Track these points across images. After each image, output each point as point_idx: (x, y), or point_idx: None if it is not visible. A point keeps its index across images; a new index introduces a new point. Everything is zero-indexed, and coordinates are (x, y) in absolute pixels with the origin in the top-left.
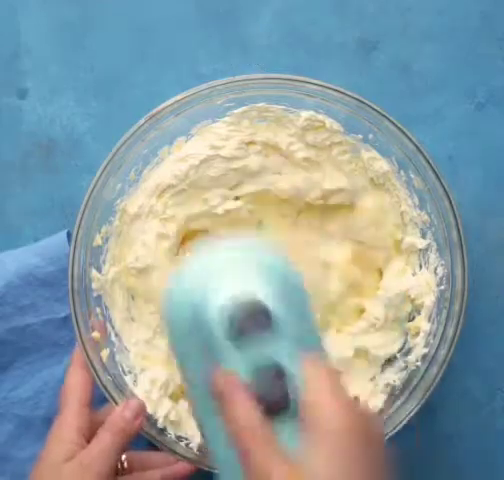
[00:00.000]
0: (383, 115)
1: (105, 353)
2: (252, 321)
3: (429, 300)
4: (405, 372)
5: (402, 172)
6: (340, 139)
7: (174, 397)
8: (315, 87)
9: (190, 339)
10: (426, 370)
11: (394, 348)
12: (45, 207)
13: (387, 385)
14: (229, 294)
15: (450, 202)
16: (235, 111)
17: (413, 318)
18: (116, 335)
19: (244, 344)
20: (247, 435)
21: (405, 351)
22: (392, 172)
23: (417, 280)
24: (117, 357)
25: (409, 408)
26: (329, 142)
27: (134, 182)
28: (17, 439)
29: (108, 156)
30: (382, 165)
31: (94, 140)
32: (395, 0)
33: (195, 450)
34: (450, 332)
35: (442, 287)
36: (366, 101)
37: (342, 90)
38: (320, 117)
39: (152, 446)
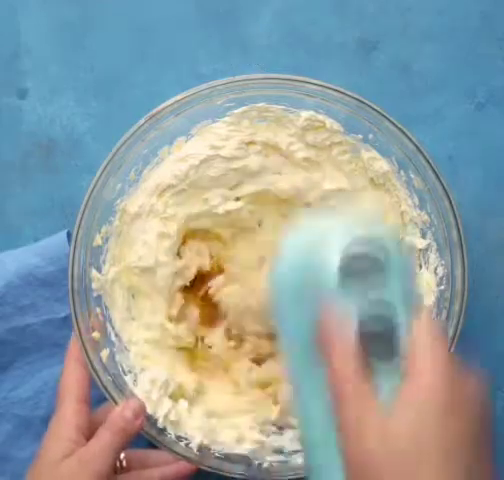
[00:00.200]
0: (383, 115)
1: (105, 353)
2: (366, 266)
3: (429, 300)
4: None
5: (402, 172)
6: (340, 139)
7: (174, 397)
8: (315, 87)
9: (297, 301)
10: None
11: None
12: (45, 207)
13: None
14: (347, 241)
15: (450, 202)
16: (235, 111)
17: None
18: (116, 335)
19: (356, 289)
20: (344, 386)
21: None
22: (392, 172)
23: (417, 280)
24: (117, 357)
25: None
26: (329, 142)
27: (134, 182)
28: (17, 439)
29: (108, 156)
30: (382, 165)
31: (94, 140)
32: (395, 0)
33: (195, 450)
34: (450, 332)
35: (442, 287)
36: (366, 101)
37: (342, 90)
38: (320, 117)
39: (152, 446)
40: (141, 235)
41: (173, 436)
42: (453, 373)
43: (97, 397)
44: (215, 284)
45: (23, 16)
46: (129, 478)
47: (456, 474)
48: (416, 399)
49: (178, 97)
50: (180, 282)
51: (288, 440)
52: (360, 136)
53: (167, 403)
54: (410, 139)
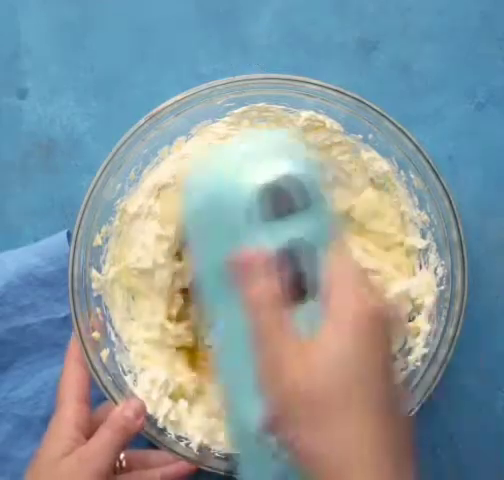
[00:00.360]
0: (383, 115)
1: (105, 353)
2: (286, 199)
3: (429, 300)
4: (405, 372)
5: (402, 172)
6: (340, 139)
7: (174, 397)
8: (315, 87)
9: (210, 228)
10: (426, 370)
11: (394, 348)
12: (45, 207)
13: None
14: (264, 173)
15: (450, 202)
16: (235, 111)
17: (413, 318)
18: (116, 335)
19: (277, 224)
20: (263, 313)
21: (405, 351)
22: (392, 172)
23: (417, 280)
24: (117, 357)
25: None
26: (329, 142)
27: (134, 182)
28: (17, 439)
29: (108, 156)
30: (382, 165)
31: (94, 140)
32: (395, 0)
33: (195, 450)
34: (450, 332)
35: (442, 287)
36: (366, 101)
37: (342, 90)
38: (320, 117)
39: (152, 446)
40: (140, 236)
41: (173, 436)
42: (372, 305)
43: (97, 397)
44: None
45: (23, 16)
46: (129, 478)
47: (378, 400)
48: (339, 327)
49: (178, 97)
50: (179, 283)
51: None
52: (360, 136)
53: (167, 403)
54: (410, 139)
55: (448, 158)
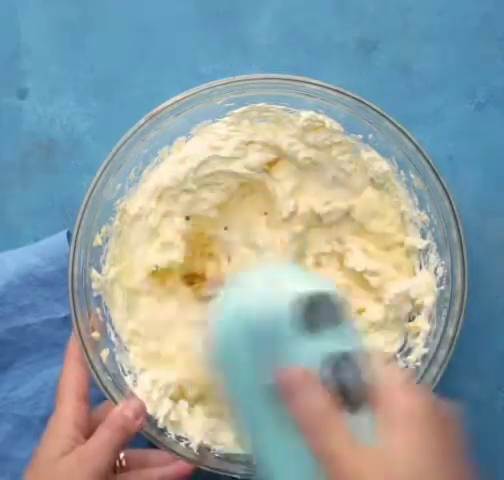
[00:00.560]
0: (383, 115)
1: (105, 353)
2: (324, 313)
3: (429, 300)
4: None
5: (402, 172)
6: (340, 139)
7: (174, 397)
8: (315, 87)
9: (244, 354)
10: (426, 370)
11: (394, 348)
12: (45, 207)
13: None
14: (298, 290)
15: (450, 202)
16: (235, 111)
17: (413, 318)
18: (116, 335)
19: (316, 336)
20: (319, 421)
21: (405, 351)
22: (392, 172)
23: (417, 280)
24: (117, 357)
25: None
26: (329, 142)
27: (134, 182)
28: (17, 439)
29: (108, 156)
30: (382, 165)
31: (94, 140)
32: (395, 0)
33: (195, 450)
34: (450, 332)
35: (442, 287)
36: (366, 101)
37: (342, 90)
38: (320, 117)
39: (152, 446)
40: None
41: (173, 436)
42: (432, 413)
43: (97, 397)
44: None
45: (23, 16)
46: (128, 478)
47: None
48: (403, 432)
49: (178, 97)
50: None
51: None
52: (360, 136)
53: (167, 403)
54: (410, 139)
55: (448, 158)
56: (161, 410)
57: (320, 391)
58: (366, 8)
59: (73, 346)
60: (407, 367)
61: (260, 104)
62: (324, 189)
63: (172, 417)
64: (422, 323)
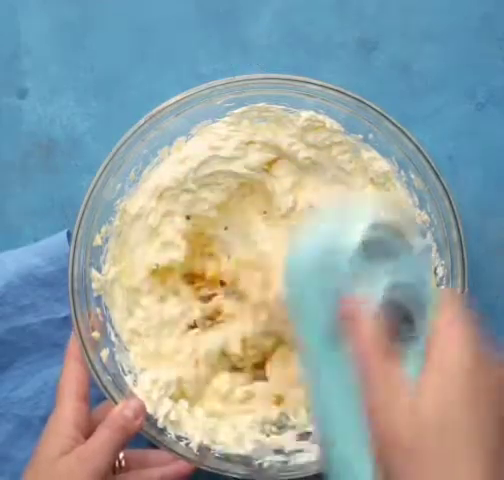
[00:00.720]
0: (383, 115)
1: (105, 353)
2: (384, 250)
3: None
4: None
5: (402, 172)
6: (340, 139)
7: (174, 397)
8: (315, 87)
9: (311, 291)
10: None
11: None
12: (45, 207)
13: None
14: (367, 223)
15: (450, 202)
16: (235, 111)
17: None
18: (116, 335)
19: (376, 272)
20: (372, 368)
21: None
22: (392, 172)
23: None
24: (117, 357)
25: None
26: (329, 142)
27: (134, 182)
28: (17, 439)
29: (108, 156)
30: (382, 165)
31: (94, 140)
32: (395, 0)
33: (195, 450)
34: None
35: (442, 287)
36: (366, 101)
37: (342, 90)
38: (320, 117)
39: (152, 446)
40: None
41: (173, 436)
42: (478, 355)
43: (97, 397)
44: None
45: (23, 16)
46: (128, 478)
47: (486, 457)
48: (442, 380)
49: (178, 97)
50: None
51: (288, 440)
52: (360, 136)
53: (167, 403)
54: (410, 139)
55: (448, 158)
56: (161, 410)
57: (378, 323)
58: (366, 8)
59: (73, 346)
60: None
61: (260, 104)
62: (323, 186)
63: (172, 417)
64: None
